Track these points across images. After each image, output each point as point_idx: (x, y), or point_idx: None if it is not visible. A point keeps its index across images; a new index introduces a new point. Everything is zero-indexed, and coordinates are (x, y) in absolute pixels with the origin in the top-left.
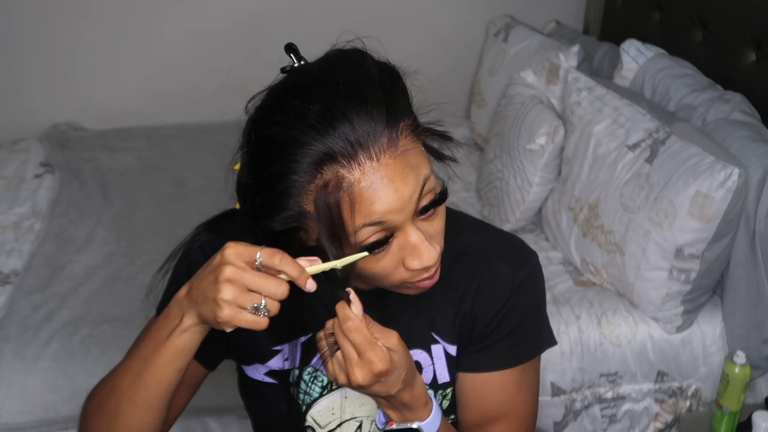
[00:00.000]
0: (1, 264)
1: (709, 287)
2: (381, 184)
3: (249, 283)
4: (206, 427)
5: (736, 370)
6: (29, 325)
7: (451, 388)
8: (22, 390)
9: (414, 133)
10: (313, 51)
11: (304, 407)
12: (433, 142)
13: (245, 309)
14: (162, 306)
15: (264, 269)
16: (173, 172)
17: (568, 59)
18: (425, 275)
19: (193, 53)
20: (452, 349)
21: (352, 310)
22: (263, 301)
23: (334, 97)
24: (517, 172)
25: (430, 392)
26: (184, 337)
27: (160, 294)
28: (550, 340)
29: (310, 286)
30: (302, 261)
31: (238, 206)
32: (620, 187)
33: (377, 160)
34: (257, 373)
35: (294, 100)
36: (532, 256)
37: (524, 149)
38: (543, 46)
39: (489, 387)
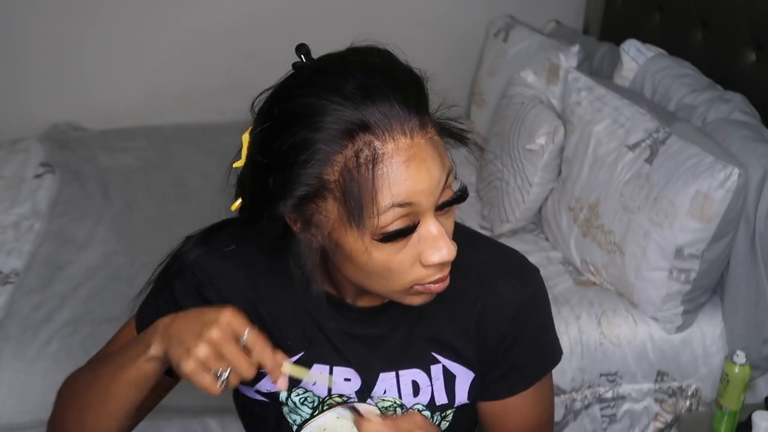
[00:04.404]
0: (1, 264)
1: (709, 287)
2: (414, 162)
3: (225, 352)
4: (206, 427)
5: (736, 370)
6: (29, 325)
7: (452, 411)
8: (22, 390)
9: (437, 127)
10: (314, 49)
11: (295, 427)
12: (450, 140)
13: (209, 372)
14: (143, 306)
15: (244, 347)
16: (173, 172)
17: (568, 59)
18: (438, 275)
19: (193, 53)
20: (454, 367)
21: (369, 416)
22: (227, 373)
23: (372, 75)
24: (517, 172)
25: (427, 413)
26: (147, 365)
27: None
28: (558, 353)
29: (281, 384)
30: (282, 357)
31: (234, 207)
32: (620, 187)
33: (411, 138)
34: (248, 391)
35: (326, 75)
36: (535, 272)
37: (524, 149)
38: (543, 46)
39: (511, 409)
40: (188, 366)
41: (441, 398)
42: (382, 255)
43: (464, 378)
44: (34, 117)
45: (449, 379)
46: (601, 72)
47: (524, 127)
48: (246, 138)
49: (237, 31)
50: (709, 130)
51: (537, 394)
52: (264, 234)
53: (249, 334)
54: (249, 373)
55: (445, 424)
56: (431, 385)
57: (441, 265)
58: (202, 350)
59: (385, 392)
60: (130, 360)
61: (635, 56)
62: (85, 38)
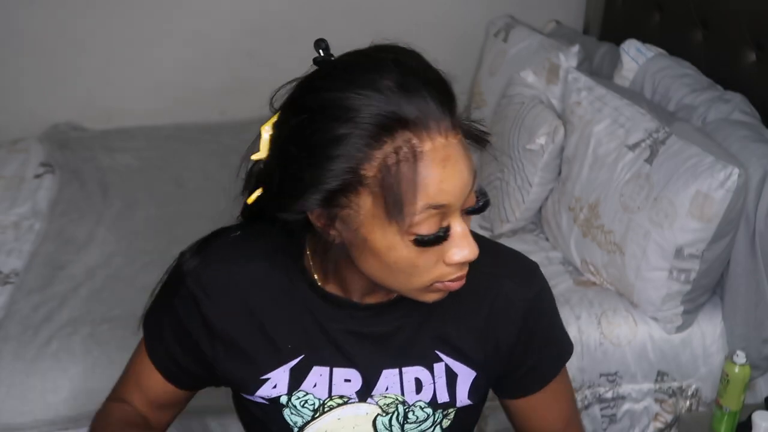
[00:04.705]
0: (1, 264)
1: (709, 287)
2: (449, 163)
3: None
4: (206, 427)
5: (736, 370)
6: (29, 325)
7: (453, 410)
8: (22, 390)
9: (462, 128)
10: (314, 49)
11: (296, 429)
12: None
13: None
14: (150, 328)
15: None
16: (173, 172)
17: (568, 59)
18: (458, 273)
19: (193, 53)
20: (456, 366)
21: None
22: None
23: (406, 71)
24: (517, 172)
25: (429, 410)
26: None
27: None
28: (570, 347)
29: None
30: None
31: (251, 200)
32: (620, 187)
33: (446, 138)
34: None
35: (359, 69)
36: (536, 269)
37: (524, 149)
38: (543, 46)
39: (539, 406)
40: None
41: (443, 396)
42: (411, 253)
43: (466, 377)
44: (34, 117)
45: (451, 377)
46: (601, 72)
47: (524, 127)
48: (266, 130)
49: (237, 31)
50: (709, 130)
51: (559, 387)
52: (261, 238)
53: None
54: None
55: (446, 422)
56: (434, 383)
57: (461, 264)
58: None
59: (387, 389)
60: None
61: (635, 56)
62: (85, 38)
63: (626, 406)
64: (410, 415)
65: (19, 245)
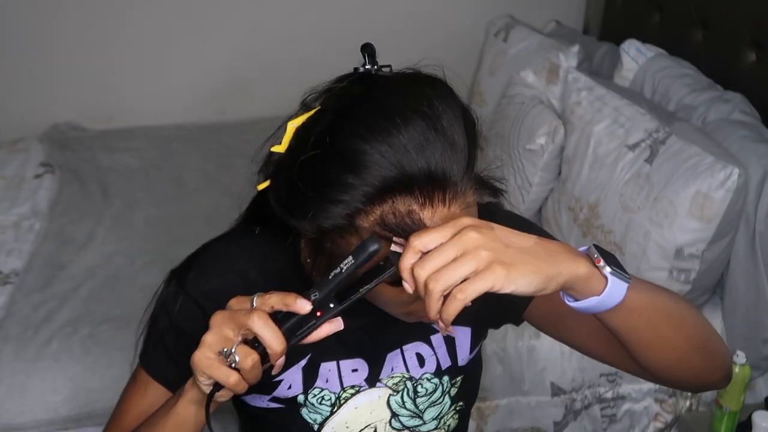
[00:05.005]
0: (1, 264)
1: (708, 287)
2: None
3: (231, 323)
4: (206, 427)
5: (736, 370)
6: (29, 325)
7: (461, 377)
8: (22, 390)
9: (475, 184)
10: (314, 49)
11: (316, 426)
12: (483, 191)
13: (221, 360)
14: (150, 353)
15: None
16: (173, 172)
17: (568, 59)
18: None
19: (193, 53)
20: (456, 329)
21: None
22: (234, 347)
23: (425, 130)
24: (517, 172)
25: (435, 380)
26: (181, 404)
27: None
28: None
29: (279, 364)
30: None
31: (261, 186)
32: (620, 187)
33: (449, 207)
34: (260, 401)
35: (382, 118)
36: (496, 206)
37: (524, 149)
38: (543, 46)
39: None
40: (195, 354)
41: (445, 362)
42: (388, 291)
43: (463, 337)
44: (34, 117)
45: (450, 343)
46: (601, 72)
47: (524, 127)
48: (291, 128)
49: (237, 31)
50: (709, 130)
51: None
52: (253, 243)
53: (257, 296)
54: (262, 324)
55: (454, 390)
56: (435, 353)
57: None
58: (206, 335)
59: (392, 370)
60: (169, 407)
61: (635, 56)
62: (85, 38)
63: (626, 406)
64: (419, 388)
65: (19, 245)
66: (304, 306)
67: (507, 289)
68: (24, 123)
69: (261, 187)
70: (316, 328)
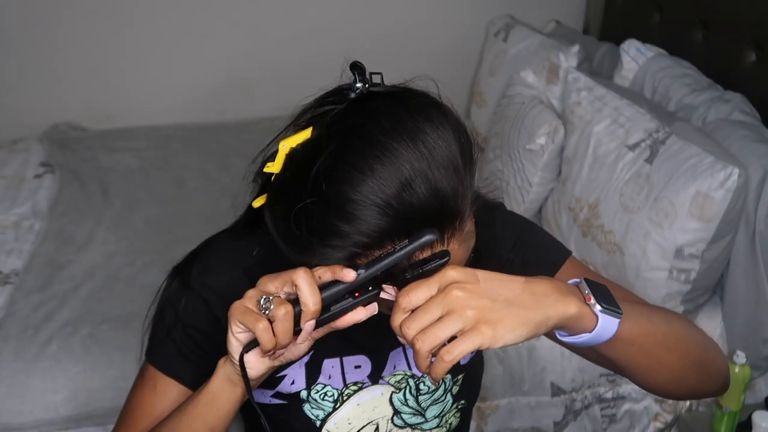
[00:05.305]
0: (1, 264)
1: (709, 287)
2: None
3: (269, 284)
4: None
5: (736, 370)
6: (29, 325)
7: (463, 375)
8: (22, 390)
9: (473, 207)
10: (314, 49)
11: (318, 422)
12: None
13: (256, 305)
14: (158, 349)
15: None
16: (173, 172)
17: (568, 59)
18: None
19: (193, 53)
20: None
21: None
22: (271, 297)
23: (418, 173)
24: (517, 172)
25: (448, 376)
26: (214, 380)
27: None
28: (565, 248)
29: (309, 327)
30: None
31: (257, 203)
32: (620, 187)
33: (447, 245)
34: (263, 396)
35: (371, 159)
36: (499, 206)
37: (524, 149)
38: (543, 46)
39: None
40: (231, 307)
41: None
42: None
43: None
44: (34, 117)
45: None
46: (601, 72)
47: (524, 127)
48: (284, 149)
49: (237, 31)
50: (709, 130)
51: (576, 265)
52: (255, 238)
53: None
54: (304, 277)
55: (456, 389)
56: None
57: None
58: (250, 291)
59: (395, 367)
60: (202, 388)
61: (635, 56)
62: (85, 38)
63: (626, 406)
64: (422, 386)
65: (19, 245)
66: (348, 274)
67: (495, 346)
68: (24, 123)
69: (257, 204)
70: (351, 308)
